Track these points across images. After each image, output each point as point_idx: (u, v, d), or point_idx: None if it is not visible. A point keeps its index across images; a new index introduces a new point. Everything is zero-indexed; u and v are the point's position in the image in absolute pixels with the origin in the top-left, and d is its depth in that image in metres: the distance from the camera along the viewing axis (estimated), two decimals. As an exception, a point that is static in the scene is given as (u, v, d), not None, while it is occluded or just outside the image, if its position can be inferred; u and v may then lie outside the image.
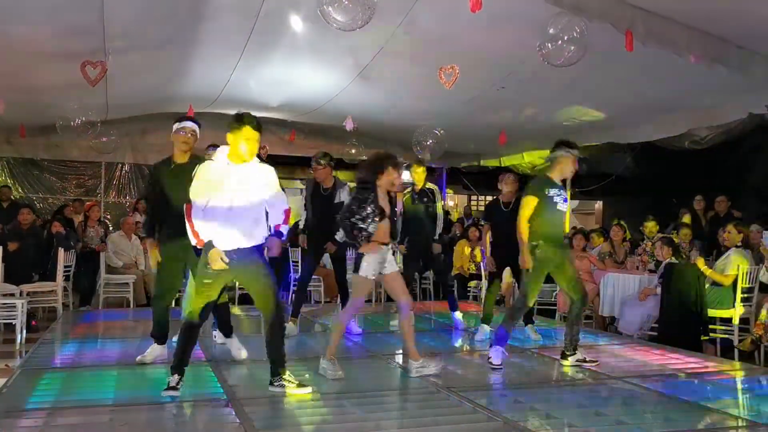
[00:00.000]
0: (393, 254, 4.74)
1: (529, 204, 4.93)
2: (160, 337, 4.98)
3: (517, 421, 3.60)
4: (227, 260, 3.88)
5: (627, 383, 4.53)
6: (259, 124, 3.99)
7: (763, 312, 5.75)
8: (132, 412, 3.76)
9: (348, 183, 6.57)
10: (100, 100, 8.48)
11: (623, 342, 6.22)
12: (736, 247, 6.42)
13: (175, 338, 5.37)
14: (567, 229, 6.02)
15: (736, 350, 6.00)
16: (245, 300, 8.56)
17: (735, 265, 6.22)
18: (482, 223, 6.30)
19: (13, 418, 3.61)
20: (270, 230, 4.07)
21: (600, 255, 8.18)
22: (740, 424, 3.73)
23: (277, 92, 9.22)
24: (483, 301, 6.50)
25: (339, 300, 7.05)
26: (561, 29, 5.16)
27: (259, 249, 4.02)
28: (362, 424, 3.58)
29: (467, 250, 9.43)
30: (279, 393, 4.03)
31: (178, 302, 6.18)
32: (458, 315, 6.72)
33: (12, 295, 6.86)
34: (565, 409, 3.93)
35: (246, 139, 3.91)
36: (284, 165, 11.49)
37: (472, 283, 9.25)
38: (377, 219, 4.45)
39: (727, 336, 6.22)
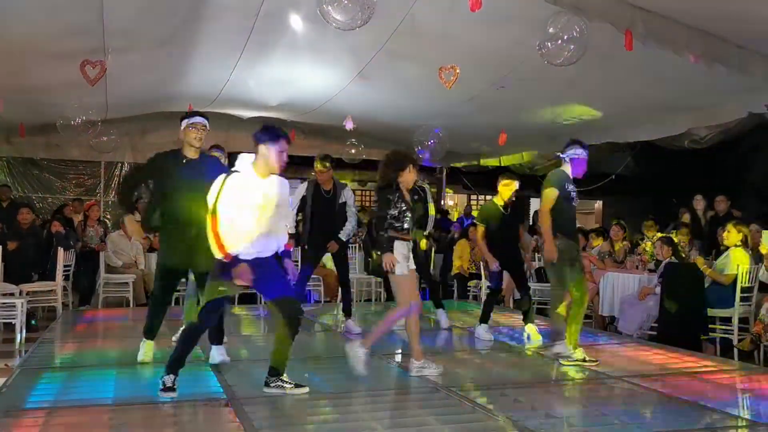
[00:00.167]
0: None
1: (551, 196, 5.00)
2: (150, 333, 4.91)
3: (516, 420, 3.60)
4: (253, 277, 3.86)
5: (626, 383, 4.54)
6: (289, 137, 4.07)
7: (763, 311, 5.75)
8: (131, 411, 3.76)
9: (347, 184, 6.57)
10: (100, 100, 8.47)
11: (623, 341, 6.22)
12: (736, 246, 6.43)
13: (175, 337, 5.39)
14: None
15: (735, 350, 6.00)
16: (244, 300, 8.56)
17: (734, 265, 6.22)
18: (476, 223, 6.24)
19: (13, 418, 3.61)
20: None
21: (600, 255, 8.19)
22: (740, 423, 3.74)
23: (277, 92, 9.22)
24: (483, 300, 6.49)
25: (339, 299, 7.05)
26: (561, 28, 5.16)
27: (273, 254, 4.06)
28: (362, 424, 3.58)
29: (467, 250, 9.43)
30: (278, 393, 4.03)
31: (177, 302, 6.18)
32: (442, 313, 6.72)
33: (12, 294, 6.86)
34: (565, 409, 3.93)
35: (281, 152, 3.96)
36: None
37: (472, 283, 9.25)
38: (409, 215, 4.57)
39: (726, 335, 6.22)
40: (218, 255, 3.83)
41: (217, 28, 6.75)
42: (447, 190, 15.16)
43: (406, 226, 4.55)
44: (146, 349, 4.88)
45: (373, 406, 3.90)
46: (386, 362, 5.19)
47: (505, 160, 12.02)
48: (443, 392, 4.19)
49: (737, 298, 6.14)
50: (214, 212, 3.81)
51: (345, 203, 6.19)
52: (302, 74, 8.29)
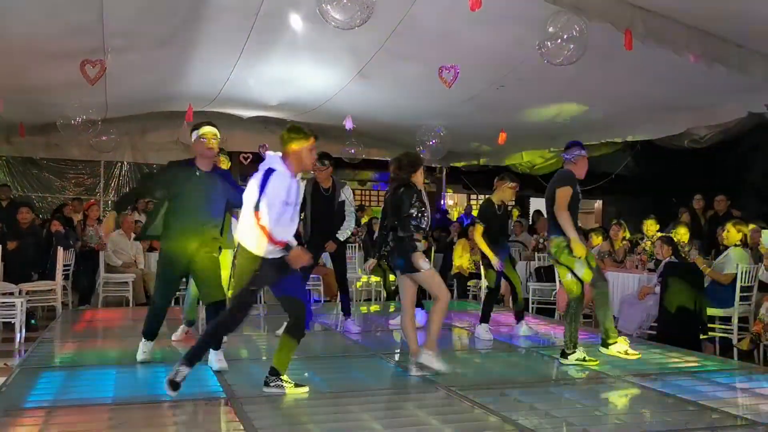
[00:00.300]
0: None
1: (568, 194, 5.04)
2: (150, 335, 4.90)
3: (516, 419, 3.60)
4: (308, 256, 4.03)
5: (626, 382, 4.54)
6: None
7: (762, 311, 5.75)
8: (131, 411, 3.76)
9: (347, 183, 6.56)
10: (100, 99, 8.48)
11: (622, 341, 6.22)
12: (735, 246, 6.43)
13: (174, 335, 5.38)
14: None
15: (735, 349, 6.00)
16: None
17: (734, 264, 6.22)
18: (477, 222, 6.20)
19: (13, 417, 3.61)
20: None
21: (599, 254, 8.18)
22: (739, 423, 3.73)
23: (277, 91, 9.22)
24: (483, 300, 6.48)
25: (339, 299, 7.05)
26: (560, 28, 5.16)
27: None
28: (361, 423, 3.58)
29: (467, 250, 9.43)
30: (278, 393, 4.02)
31: (177, 302, 6.17)
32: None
33: (11, 294, 6.86)
34: (565, 408, 3.93)
35: (312, 151, 4.05)
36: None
37: (471, 282, 9.25)
38: (428, 213, 4.69)
39: (726, 335, 6.23)
40: (269, 246, 3.83)
41: (217, 28, 6.75)
42: (447, 189, 15.16)
43: (424, 225, 4.65)
44: (146, 349, 4.88)
45: (372, 405, 3.90)
46: (386, 362, 5.19)
47: (505, 160, 12.02)
48: (443, 392, 4.19)
49: (737, 298, 6.14)
50: (257, 208, 3.82)
51: (344, 202, 6.19)
52: (302, 74, 8.29)
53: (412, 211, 4.60)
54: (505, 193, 6.24)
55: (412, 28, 6.45)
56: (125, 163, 12.07)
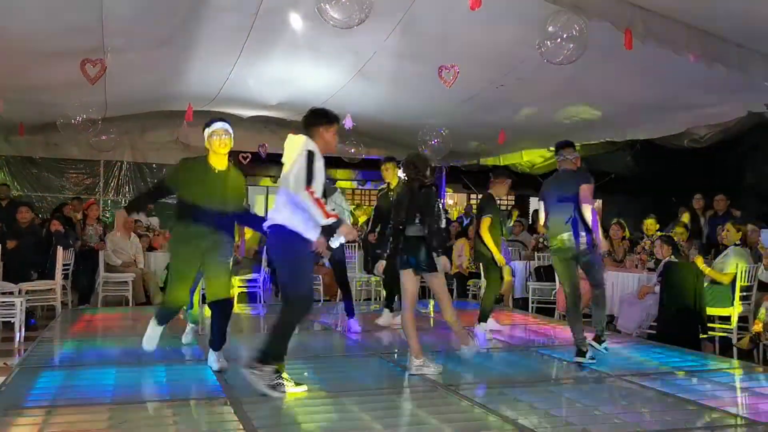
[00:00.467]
0: None
1: (592, 191, 5.16)
2: (163, 321, 4.73)
3: (515, 419, 3.60)
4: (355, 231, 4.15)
5: (626, 381, 4.54)
6: None
7: (762, 310, 5.75)
8: (131, 410, 3.76)
9: (337, 189, 6.44)
10: (99, 99, 8.47)
11: (622, 340, 6.22)
12: (735, 245, 6.43)
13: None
14: None
15: (734, 348, 6.00)
16: (243, 299, 8.58)
17: (734, 264, 6.23)
18: (485, 215, 6.13)
19: (12, 416, 3.61)
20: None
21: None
22: (739, 422, 3.74)
23: (277, 91, 9.22)
24: (482, 299, 6.48)
25: (339, 299, 7.05)
26: (560, 27, 5.15)
27: None
28: (361, 423, 3.58)
29: (467, 249, 9.43)
30: (275, 394, 4.00)
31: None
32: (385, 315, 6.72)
33: (11, 293, 6.86)
34: (564, 407, 3.93)
35: (335, 133, 4.14)
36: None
37: (471, 282, 9.25)
38: (444, 214, 4.91)
39: (725, 334, 6.23)
40: (327, 220, 3.92)
41: (217, 28, 6.74)
42: (447, 189, 15.15)
43: (443, 225, 4.78)
44: (154, 334, 4.70)
45: (372, 405, 3.89)
46: (386, 361, 5.19)
47: (505, 159, 12.02)
48: (442, 391, 4.19)
49: (736, 297, 6.14)
50: (309, 184, 3.88)
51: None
52: (302, 73, 8.28)
53: (438, 210, 4.72)
54: (501, 189, 6.28)
55: (412, 28, 6.45)
56: (125, 162, 12.06)
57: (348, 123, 9.21)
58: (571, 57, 5.26)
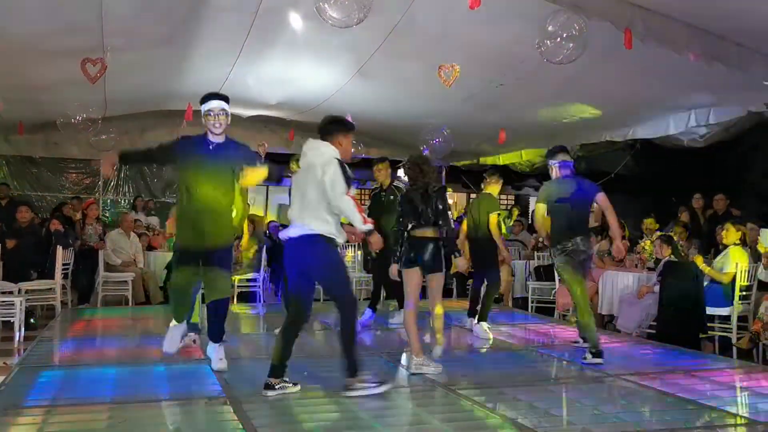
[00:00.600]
0: None
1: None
2: (178, 318, 4.57)
3: (515, 418, 3.60)
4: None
5: (625, 381, 4.54)
6: None
7: (761, 310, 5.75)
8: (130, 409, 3.76)
9: None
10: (99, 98, 8.46)
11: (622, 340, 6.22)
12: (734, 245, 6.43)
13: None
14: None
15: (734, 348, 6.00)
16: (243, 298, 8.58)
17: (733, 263, 6.23)
18: (494, 212, 6.29)
19: (12, 416, 3.61)
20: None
21: (599, 253, 8.18)
22: (738, 421, 3.74)
23: (276, 90, 9.21)
24: (483, 298, 6.48)
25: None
26: (560, 26, 5.15)
27: None
28: (361, 422, 3.58)
29: (466, 248, 9.41)
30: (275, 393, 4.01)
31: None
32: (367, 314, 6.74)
33: (10, 293, 6.86)
34: (564, 407, 3.93)
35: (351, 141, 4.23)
36: (284, 163, 11.48)
37: (470, 281, 9.24)
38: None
39: (725, 334, 6.23)
40: (367, 226, 4.02)
41: (216, 27, 6.74)
42: (446, 189, 15.15)
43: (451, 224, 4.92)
44: (173, 336, 4.54)
45: (372, 404, 3.89)
46: (385, 360, 5.19)
47: (504, 159, 12.02)
48: (442, 390, 4.19)
49: (736, 297, 6.14)
50: (348, 191, 3.96)
51: None
52: (301, 73, 8.28)
53: (449, 211, 4.87)
54: (497, 188, 6.39)
55: (412, 27, 6.44)
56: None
57: (347, 122, 9.20)
58: (570, 56, 5.26)
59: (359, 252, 9.41)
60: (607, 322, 7.43)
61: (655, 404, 4.04)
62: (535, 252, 9.30)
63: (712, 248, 7.58)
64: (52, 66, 7.13)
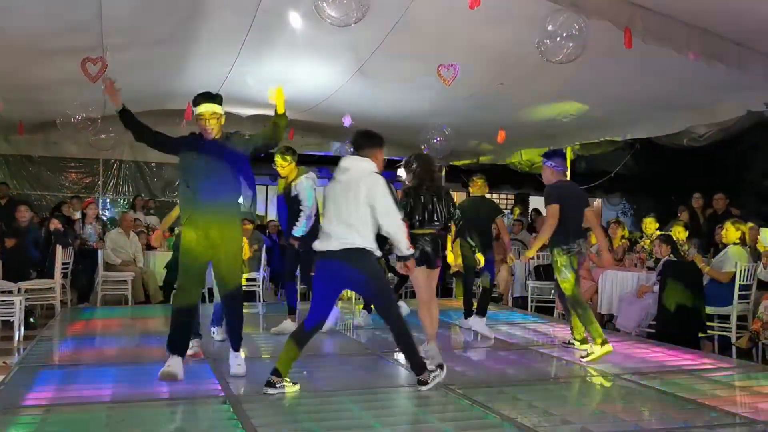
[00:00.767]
0: None
1: None
2: (180, 348, 4.34)
3: (514, 417, 3.60)
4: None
5: (625, 380, 4.54)
6: None
7: (761, 309, 5.76)
8: (129, 409, 3.76)
9: (303, 177, 6.07)
10: (98, 97, 8.45)
11: (621, 339, 6.22)
12: (734, 244, 6.43)
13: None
14: None
15: (733, 347, 6.01)
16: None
17: (732, 262, 6.23)
18: (501, 215, 6.71)
19: (11, 415, 3.61)
20: None
21: (598, 252, 8.18)
22: (737, 421, 3.74)
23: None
24: (479, 295, 6.62)
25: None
26: (560, 26, 5.15)
27: None
28: (360, 422, 3.58)
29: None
30: (279, 393, 4.01)
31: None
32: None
33: (10, 292, 6.86)
34: (563, 406, 3.93)
35: None
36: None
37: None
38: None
39: (724, 333, 6.23)
40: (407, 251, 4.14)
41: (216, 26, 6.73)
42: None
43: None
44: (175, 364, 4.27)
45: (371, 403, 3.89)
46: (385, 360, 5.19)
47: (503, 158, 12.02)
48: (441, 390, 4.19)
49: (735, 296, 6.14)
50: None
51: (297, 196, 5.87)
52: (301, 72, 8.27)
53: (453, 210, 5.08)
54: (486, 190, 6.72)
55: (411, 26, 6.44)
56: (124, 161, 12.04)
57: (347, 122, 9.21)
58: (570, 56, 5.26)
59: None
60: (606, 322, 7.43)
61: (654, 403, 4.04)
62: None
63: (712, 248, 7.59)
64: (52, 65, 7.12)
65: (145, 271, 8.86)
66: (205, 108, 4.38)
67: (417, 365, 4.09)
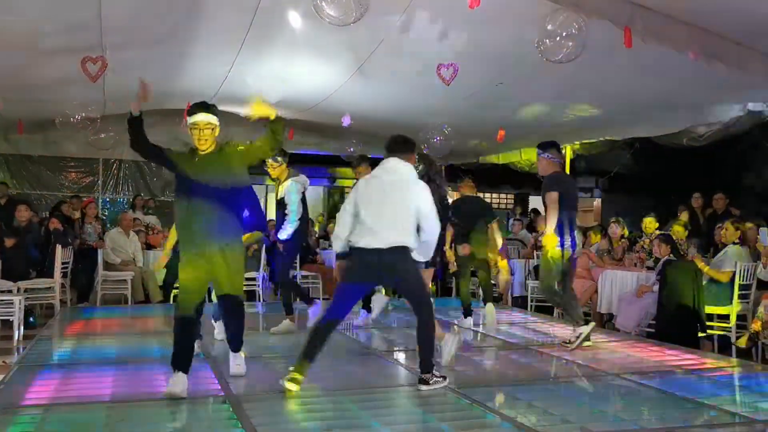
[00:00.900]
0: None
1: None
2: (184, 364, 4.05)
3: (514, 417, 3.60)
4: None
5: (624, 380, 4.54)
6: None
7: (761, 309, 5.76)
8: (129, 409, 3.75)
9: (291, 179, 6.04)
10: (98, 97, 8.46)
11: (621, 339, 6.22)
12: (734, 243, 6.43)
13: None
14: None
15: (733, 347, 6.01)
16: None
17: (732, 262, 6.23)
18: (496, 218, 6.85)
19: (10, 415, 3.60)
20: None
21: (598, 252, 8.19)
22: (737, 420, 3.74)
23: (275, 89, 9.20)
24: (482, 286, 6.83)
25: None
26: (559, 25, 5.15)
27: None
28: (360, 421, 3.58)
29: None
30: (276, 390, 4.01)
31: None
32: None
33: (9, 291, 6.86)
34: (563, 406, 3.93)
35: None
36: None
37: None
38: None
39: (724, 333, 6.23)
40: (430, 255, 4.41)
41: (215, 25, 6.73)
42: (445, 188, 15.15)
43: None
44: (176, 382, 3.97)
45: (371, 403, 3.89)
46: (384, 359, 5.19)
47: (503, 158, 12.03)
48: (441, 389, 4.19)
49: (735, 296, 6.14)
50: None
51: (283, 199, 5.84)
52: (301, 71, 8.27)
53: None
54: (473, 190, 6.90)
55: (411, 25, 6.44)
56: (123, 160, 12.04)
57: (346, 121, 9.21)
58: (570, 55, 5.26)
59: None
60: (606, 321, 7.43)
61: (654, 403, 4.04)
62: (535, 251, 9.30)
63: (712, 247, 7.59)
64: (52, 65, 7.12)
65: (144, 270, 8.86)
66: (201, 118, 4.22)
67: (427, 364, 4.14)
